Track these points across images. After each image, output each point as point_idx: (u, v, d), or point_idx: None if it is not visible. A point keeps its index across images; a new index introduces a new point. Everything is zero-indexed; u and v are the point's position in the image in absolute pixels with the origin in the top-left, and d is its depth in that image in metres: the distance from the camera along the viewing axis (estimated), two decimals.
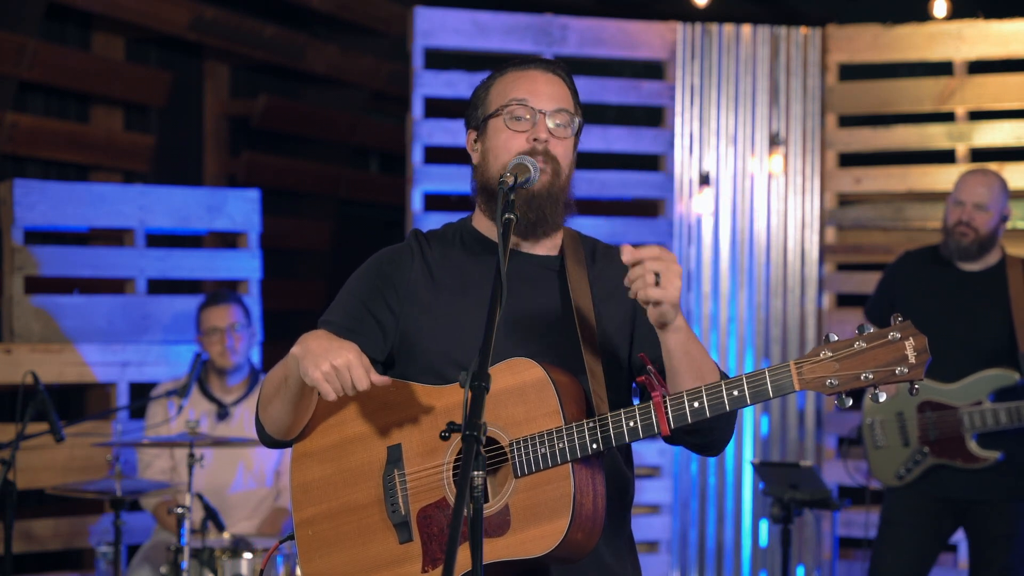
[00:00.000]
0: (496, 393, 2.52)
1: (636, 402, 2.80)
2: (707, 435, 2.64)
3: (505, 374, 2.55)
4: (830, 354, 2.44)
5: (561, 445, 2.51)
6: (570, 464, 2.51)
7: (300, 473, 2.72)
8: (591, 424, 2.52)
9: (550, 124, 2.72)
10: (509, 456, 2.54)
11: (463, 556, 2.49)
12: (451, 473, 2.59)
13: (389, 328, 2.75)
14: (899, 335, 2.42)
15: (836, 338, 2.46)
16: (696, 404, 2.49)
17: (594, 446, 2.51)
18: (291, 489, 2.73)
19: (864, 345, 2.43)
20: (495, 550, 2.51)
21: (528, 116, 2.72)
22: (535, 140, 2.70)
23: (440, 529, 2.58)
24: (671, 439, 2.63)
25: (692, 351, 2.54)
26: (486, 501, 2.54)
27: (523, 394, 2.55)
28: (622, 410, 2.54)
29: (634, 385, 2.81)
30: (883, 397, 2.42)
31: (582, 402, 2.61)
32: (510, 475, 2.54)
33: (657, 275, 2.43)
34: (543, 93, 2.74)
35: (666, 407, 2.50)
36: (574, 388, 2.60)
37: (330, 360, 2.52)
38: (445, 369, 2.67)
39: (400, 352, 2.75)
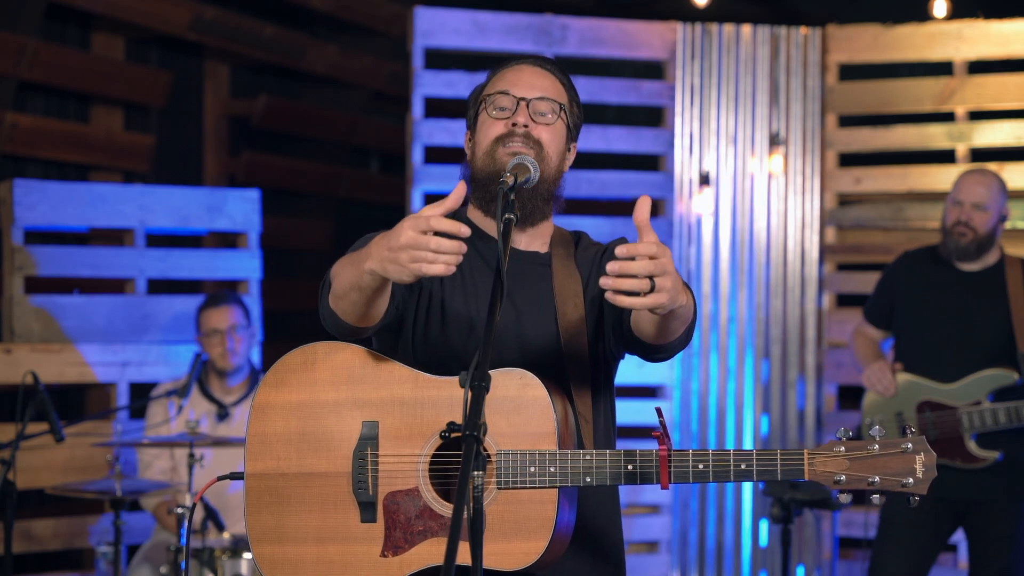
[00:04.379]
0: (493, 399, 2.51)
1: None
2: (668, 348, 2.61)
3: (508, 384, 2.54)
4: (843, 450, 2.50)
5: (553, 469, 2.51)
6: (558, 490, 2.51)
7: (261, 423, 2.63)
8: (587, 457, 2.52)
9: (531, 110, 2.72)
10: (494, 465, 2.53)
11: (430, 550, 2.52)
12: (428, 466, 2.57)
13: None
14: (911, 447, 2.51)
15: (852, 434, 2.52)
16: (701, 467, 2.51)
17: (587, 479, 2.52)
18: (248, 437, 2.64)
19: (877, 449, 2.50)
20: (462, 553, 2.47)
21: (509, 105, 2.73)
22: (513, 124, 2.70)
23: (407, 518, 2.56)
24: (625, 348, 2.67)
25: (679, 311, 2.45)
26: None
27: (520, 408, 2.54)
28: (622, 452, 2.53)
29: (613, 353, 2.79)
30: (877, 501, 2.54)
31: (573, 426, 2.61)
32: (491, 483, 2.53)
33: (652, 281, 2.30)
34: (526, 82, 2.76)
35: (670, 464, 2.51)
36: (566, 412, 2.59)
37: (397, 247, 2.35)
38: (438, 355, 2.67)
39: (400, 325, 2.73)
